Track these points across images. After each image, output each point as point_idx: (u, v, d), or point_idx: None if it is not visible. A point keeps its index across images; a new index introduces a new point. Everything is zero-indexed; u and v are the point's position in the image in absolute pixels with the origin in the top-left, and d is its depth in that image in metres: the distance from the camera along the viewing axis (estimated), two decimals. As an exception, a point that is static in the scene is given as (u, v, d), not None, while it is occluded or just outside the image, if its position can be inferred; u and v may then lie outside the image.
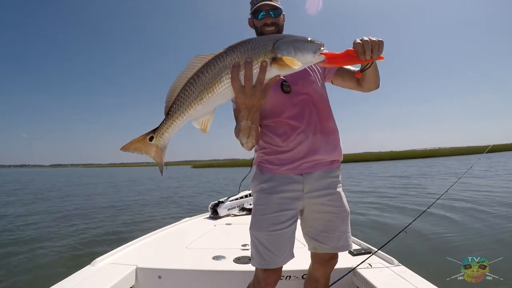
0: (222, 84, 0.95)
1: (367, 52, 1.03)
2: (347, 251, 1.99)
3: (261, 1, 1.34)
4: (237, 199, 3.65)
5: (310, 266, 1.52)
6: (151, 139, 1.02)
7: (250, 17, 1.42)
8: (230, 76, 0.94)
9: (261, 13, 1.34)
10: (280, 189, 1.30)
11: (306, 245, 1.95)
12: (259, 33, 1.39)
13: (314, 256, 1.45)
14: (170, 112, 0.98)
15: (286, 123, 1.31)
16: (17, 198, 12.03)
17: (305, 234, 1.43)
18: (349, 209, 1.40)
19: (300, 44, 0.96)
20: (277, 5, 1.35)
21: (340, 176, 1.43)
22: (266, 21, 1.35)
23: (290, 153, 1.31)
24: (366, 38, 1.03)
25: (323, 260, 1.42)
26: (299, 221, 1.41)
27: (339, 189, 1.39)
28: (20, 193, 14.14)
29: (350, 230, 1.40)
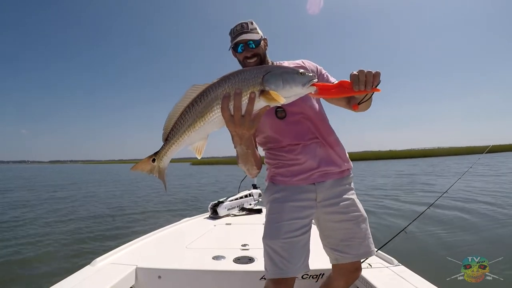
0: (214, 113, 1.00)
1: (361, 83, 1.03)
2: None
3: (237, 35, 1.33)
4: (236, 199, 3.65)
5: (330, 277, 1.49)
6: (153, 160, 1.11)
7: (230, 49, 1.42)
8: (221, 105, 0.97)
9: (240, 46, 1.35)
10: (293, 198, 1.31)
11: None
12: (242, 65, 1.40)
13: (336, 269, 1.42)
14: (168, 138, 1.06)
15: (290, 144, 1.34)
16: (18, 196, 12.02)
17: (325, 246, 1.41)
18: (365, 215, 1.39)
19: (289, 76, 0.98)
20: (255, 36, 1.34)
21: (352, 183, 1.43)
22: (246, 54, 1.36)
23: (301, 166, 1.34)
24: (362, 70, 1.04)
25: (347, 272, 1.39)
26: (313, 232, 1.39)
27: (353, 196, 1.39)
28: (20, 191, 14.11)
29: (371, 236, 1.39)
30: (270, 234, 1.27)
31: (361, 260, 1.41)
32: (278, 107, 1.33)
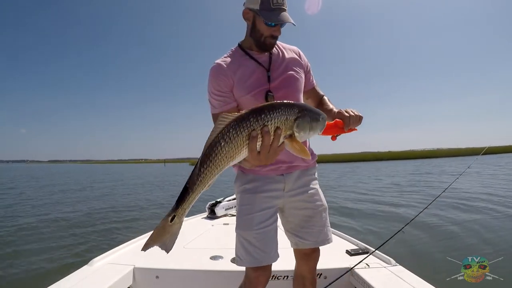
0: (242, 153, 0.96)
1: (351, 125, 1.20)
2: (345, 251, 2.00)
3: (279, 10, 1.21)
4: (234, 199, 3.64)
5: (295, 266, 1.55)
6: (172, 218, 0.96)
7: (251, 10, 1.25)
8: (248, 145, 0.94)
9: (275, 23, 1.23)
10: (264, 189, 1.34)
11: None
12: (259, 39, 1.27)
13: (297, 253, 1.49)
14: (194, 186, 0.94)
15: None
16: (15, 195, 12.00)
17: (287, 231, 1.48)
18: (326, 204, 1.46)
19: (315, 124, 0.99)
20: (291, 20, 1.24)
21: (316, 173, 1.49)
22: (276, 33, 1.26)
23: None
24: (351, 113, 1.19)
25: (305, 255, 1.45)
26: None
27: (316, 186, 1.45)
28: (18, 191, 14.09)
29: (329, 224, 1.47)
30: (243, 225, 1.31)
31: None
32: (269, 91, 1.28)
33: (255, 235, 1.28)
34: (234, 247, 2.09)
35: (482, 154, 3.20)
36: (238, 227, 1.32)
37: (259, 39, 1.28)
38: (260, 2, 1.21)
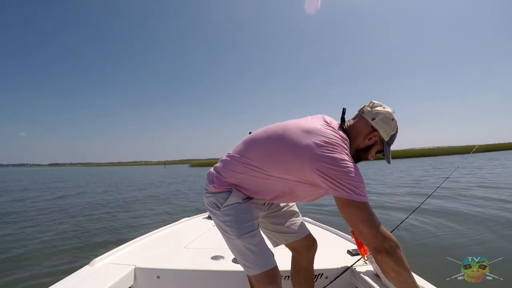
0: None
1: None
2: (346, 251, 2.01)
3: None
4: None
5: (293, 261, 1.63)
6: None
7: (381, 136, 1.30)
8: None
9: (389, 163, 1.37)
10: (254, 200, 1.38)
11: None
12: (360, 156, 1.33)
13: (295, 247, 1.57)
14: None
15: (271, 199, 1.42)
16: (16, 196, 12.02)
17: (273, 231, 1.56)
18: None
19: None
20: None
21: None
22: (372, 159, 1.37)
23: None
24: None
25: (307, 247, 1.56)
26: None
27: None
28: (20, 192, 14.12)
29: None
30: (247, 231, 1.27)
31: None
32: None
33: (259, 238, 1.29)
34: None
35: (473, 153, 3.23)
36: (242, 235, 1.26)
37: (361, 156, 1.35)
38: (390, 137, 1.32)
